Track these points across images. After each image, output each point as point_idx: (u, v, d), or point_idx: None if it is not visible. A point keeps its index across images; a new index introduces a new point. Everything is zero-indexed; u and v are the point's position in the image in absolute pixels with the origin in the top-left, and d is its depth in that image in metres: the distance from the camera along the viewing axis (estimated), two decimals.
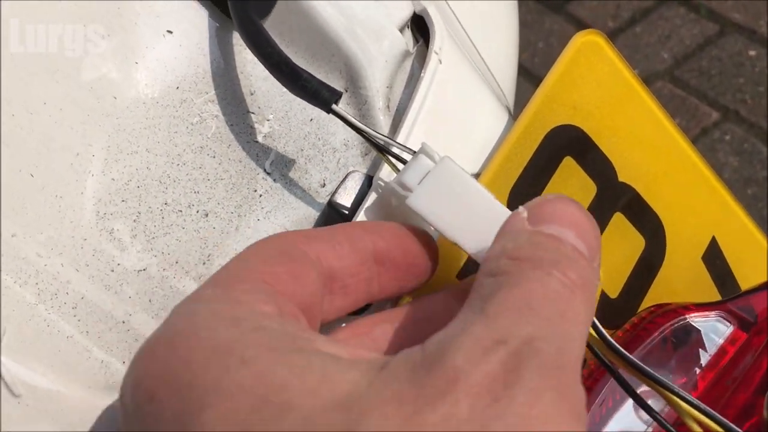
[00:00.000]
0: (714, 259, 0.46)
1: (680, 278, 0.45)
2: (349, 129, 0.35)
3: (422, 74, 0.38)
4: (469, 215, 0.31)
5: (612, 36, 1.83)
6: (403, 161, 0.33)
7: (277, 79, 0.35)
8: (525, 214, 0.27)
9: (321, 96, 0.35)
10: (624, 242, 0.43)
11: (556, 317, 0.23)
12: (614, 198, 0.42)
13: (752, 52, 1.75)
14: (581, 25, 1.85)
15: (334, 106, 0.35)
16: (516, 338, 0.22)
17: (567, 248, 0.26)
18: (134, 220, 0.35)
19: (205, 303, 0.26)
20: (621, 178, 0.42)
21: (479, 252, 0.30)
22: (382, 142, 0.34)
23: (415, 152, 0.33)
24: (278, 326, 0.24)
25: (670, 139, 0.45)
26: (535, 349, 0.22)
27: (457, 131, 0.39)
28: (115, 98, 0.36)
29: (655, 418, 0.31)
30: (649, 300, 0.43)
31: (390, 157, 0.34)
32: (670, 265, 0.44)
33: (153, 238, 0.35)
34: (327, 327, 0.31)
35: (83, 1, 0.36)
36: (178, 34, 0.38)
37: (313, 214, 0.38)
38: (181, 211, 0.36)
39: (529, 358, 0.22)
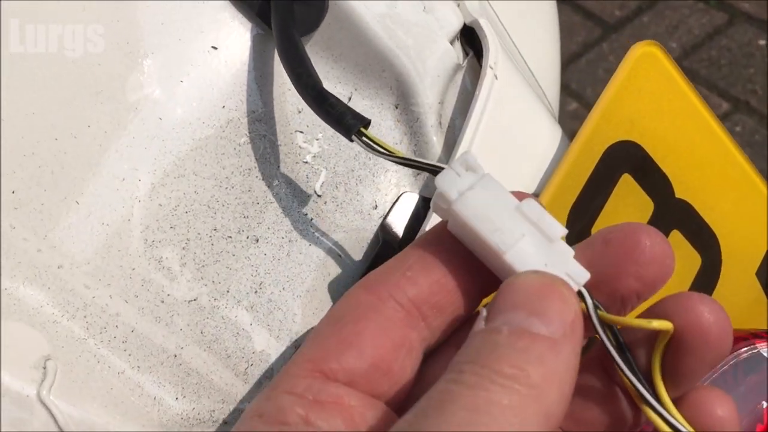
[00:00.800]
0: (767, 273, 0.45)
1: (736, 296, 0.43)
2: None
3: (478, 92, 0.37)
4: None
5: (619, 26, 1.81)
6: None
7: (305, 100, 0.34)
8: (484, 313, 0.26)
9: (344, 122, 0.32)
10: (681, 261, 0.42)
11: None
12: (671, 215, 0.41)
13: (762, 42, 1.74)
14: (588, 16, 1.83)
15: (354, 137, 0.32)
16: None
17: (521, 342, 0.24)
18: (183, 248, 0.34)
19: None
20: (678, 195, 0.41)
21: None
22: (420, 165, 0.31)
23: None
24: None
25: (726, 152, 0.43)
26: None
27: (514, 151, 0.37)
28: (161, 119, 0.34)
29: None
30: None
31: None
32: (726, 283, 0.43)
33: (203, 266, 0.34)
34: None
35: (104, 1, 0.35)
36: (222, 50, 0.36)
37: (366, 237, 0.37)
38: (230, 237, 0.35)
39: None
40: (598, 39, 1.77)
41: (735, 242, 0.43)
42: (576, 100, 1.64)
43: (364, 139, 0.32)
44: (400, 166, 0.38)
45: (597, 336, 0.28)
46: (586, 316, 0.27)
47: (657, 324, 0.27)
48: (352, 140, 0.32)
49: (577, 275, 0.27)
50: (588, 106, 1.65)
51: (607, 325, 0.27)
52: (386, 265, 0.28)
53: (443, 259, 0.28)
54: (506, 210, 0.27)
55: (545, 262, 0.27)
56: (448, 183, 0.28)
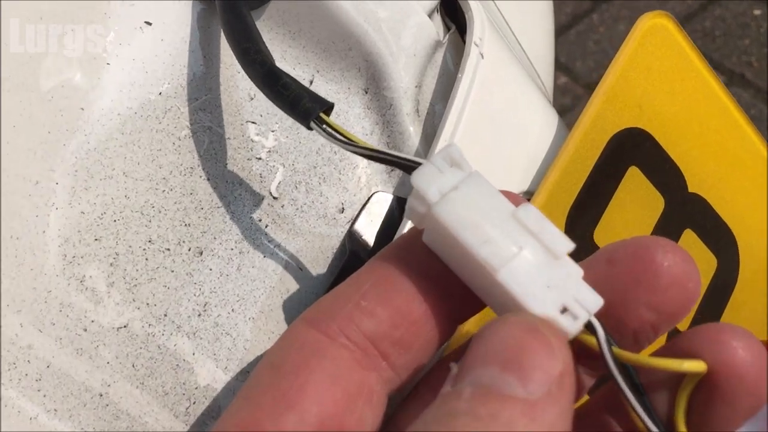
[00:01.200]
0: None
1: (755, 301, 0.38)
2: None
3: (461, 73, 0.31)
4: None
5: None
6: None
7: (253, 80, 0.28)
8: (455, 370, 0.21)
9: (301, 106, 0.26)
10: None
11: None
12: (684, 212, 0.36)
13: (757, 12, 1.68)
14: None
15: (313, 124, 0.26)
16: None
17: (486, 407, 0.19)
18: (111, 264, 0.28)
19: None
20: (691, 189, 0.36)
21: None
22: (394, 159, 0.25)
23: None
24: None
25: (744, 139, 0.38)
26: None
27: (504, 142, 0.32)
28: (82, 110, 0.29)
29: None
30: None
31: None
32: (744, 287, 0.38)
33: (135, 285, 0.28)
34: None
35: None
36: (158, 26, 0.30)
37: (331, 246, 0.31)
38: (169, 249, 0.29)
39: None
40: (588, 10, 1.70)
41: (753, 241, 0.38)
42: (565, 74, 1.58)
43: (326, 127, 0.26)
44: (371, 162, 0.32)
45: (608, 376, 0.23)
46: (594, 356, 0.22)
47: (688, 365, 0.22)
48: (310, 128, 0.26)
49: (587, 301, 0.22)
50: (577, 79, 1.60)
51: (621, 365, 0.22)
52: (336, 292, 0.23)
53: (408, 281, 0.23)
54: (499, 217, 0.22)
55: (547, 282, 0.22)
56: (427, 181, 0.23)
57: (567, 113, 1.54)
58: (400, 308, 0.22)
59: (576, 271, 0.22)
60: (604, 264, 0.23)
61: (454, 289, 0.23)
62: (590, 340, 0.22)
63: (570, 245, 0.22)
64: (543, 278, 0.22)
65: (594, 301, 0.22)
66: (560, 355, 0.20)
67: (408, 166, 0.24)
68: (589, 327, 0.22)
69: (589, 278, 0.22)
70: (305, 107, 0.26)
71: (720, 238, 0.37)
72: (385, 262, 0.23)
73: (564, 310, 0.21)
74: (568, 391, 0.20)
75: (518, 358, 0.20)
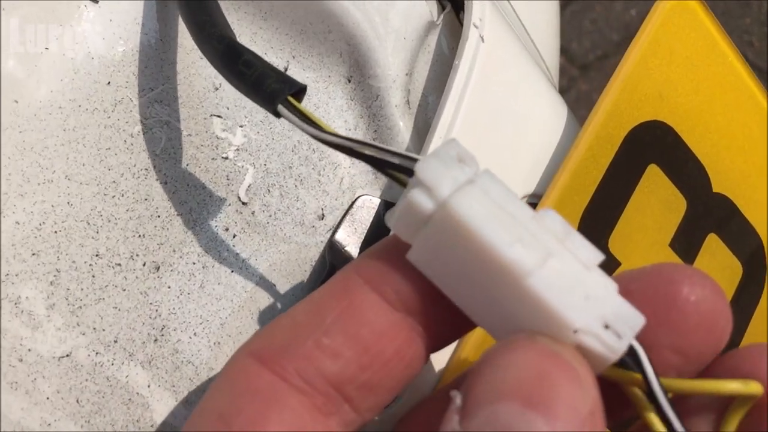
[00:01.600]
0: None
1: None
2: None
3: (458, 59, 0.27)
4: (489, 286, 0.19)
5: None
6: None
7: (210, 60, 0.23)
8: (458, 400, 0.17)
9: (265, 87, 0.22)
10: (719, 272, 0.33)
11: None
12: (708, 215, 0.32)
13: None
14: None
15: (281, 108, 0.21)
16: None
17: None
18: (51, 283, 0.24)
19: None
20: (716, 189, 0.32)
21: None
22: (378, 156, 0.21)
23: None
24: None
25: None
26: None
27: (507, 138, 0.28)
28: (16, 102, 0.25)
29: None
30: (747, 341, 0.34)
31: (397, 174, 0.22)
32: None
33: (79, 307, 0.25)
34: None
35: None
36: (105, 5, 0.26)
37: (309, 258, 0.27)
38: (120, 264, 0.25)
39: None
40: None
41: None
42: (560, 54, 1.55)
43: (298, 114, 0.22)
44: (355, 160, 0.28)
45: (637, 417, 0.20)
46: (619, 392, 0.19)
47: (744, 387, 0.19)
48: (278, 114, 0.22)
49: (628, 318, 0.18)
50: (573, 60, 1.56)
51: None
52: (293, 320, 0.19)
53: (380, 309, 0.19)
54: (523, 219, 0.18)
55: (585, 294, 0.18)
56: (436, 173, 0.19)
57: (562, 95, 1.51)
58: (370, 347, 0.19)
59: (611, 284, 0.19)
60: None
61: (436, 314, 0.19)
62: (618, 372, 0.18)
63: (600, 255, 0.19)
64: (580, 288, 0.18)
65: (635, 319, 0.18)
66: (589, 388, 0.17)
67: (398, 168, 0.20)
68: (631, 355, 0.18)
69: None
70: (271, 88, 0.22)
71: (745, 243, 0.33)
72: (354, 280, 0.19)
73: (606, 327, 0.18)
74: (599, 428, 0.16)
75: (544, 390, 0.16)
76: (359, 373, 0.18)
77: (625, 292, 0.19)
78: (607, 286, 0.18)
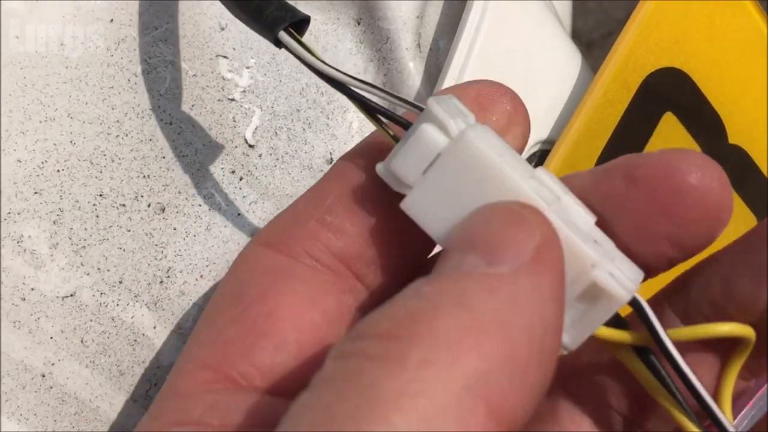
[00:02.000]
0: None
1: None
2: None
3: (470, 0, 0.26)
4: None
5: None
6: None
7: None
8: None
9: (265, 15, 0.21)
10: (732, 224, 0.32)
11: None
12: (723, 166, 0.31)
13: None
14: None
15: (282, 35, 0.20)
16: None
17: (433, 285, 0.15)
18: (54, 222, 0.24)
19: None
20: (732, 140, 0.31)
21: None
22: (372, 98, 0.20)
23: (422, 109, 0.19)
24: None
25: None
26: None
27: (520, 83, 0.27)
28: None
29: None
30: None
31: (385, 123, 0.21)
32: None
33: (83, 247, 0.24)
34: None
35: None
36: None
37: None
38: (124, 205, 0.25)
39: None
40: None
41: None
42: None
43: (298, 45, 0.20)
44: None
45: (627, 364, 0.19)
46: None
47: (729, 328, 0.18)
48: (278, 43, 0.21)
49: (630, 271, 0.18)
50: (578, 38, 1.54)
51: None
52: (293, 208, 0.19)
53: (379, 189, 0.18)
54: (526, 171, 0.18)
55: (593, 237, 0.18)
56: (446, 113, 0.18)
57: None
58: (373, 222, 0.18)
59: (606, 239, 0.18)
60: (621, 180, 0.18)
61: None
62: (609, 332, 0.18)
63: (592, 217, 0.18)
64: (586, 231, 0.18)
65: (638, 273, 0.18)
66: (539, 230, 0.16)
67: (392, 118, 0.19)
68: (634, 306, 0.18)
69: (598, 192, 0.18)
70: (272, 16, 0.21)
71: (760, 196, 0.33)
72: (349, 167, 0.19)
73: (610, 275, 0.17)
74: (548, 263, 0.16)
75: (485, 239, 0.16)
76: (366, 249, 0.18)
77: (629, 178, 0.18)
78: (607, 239, 0.18)
